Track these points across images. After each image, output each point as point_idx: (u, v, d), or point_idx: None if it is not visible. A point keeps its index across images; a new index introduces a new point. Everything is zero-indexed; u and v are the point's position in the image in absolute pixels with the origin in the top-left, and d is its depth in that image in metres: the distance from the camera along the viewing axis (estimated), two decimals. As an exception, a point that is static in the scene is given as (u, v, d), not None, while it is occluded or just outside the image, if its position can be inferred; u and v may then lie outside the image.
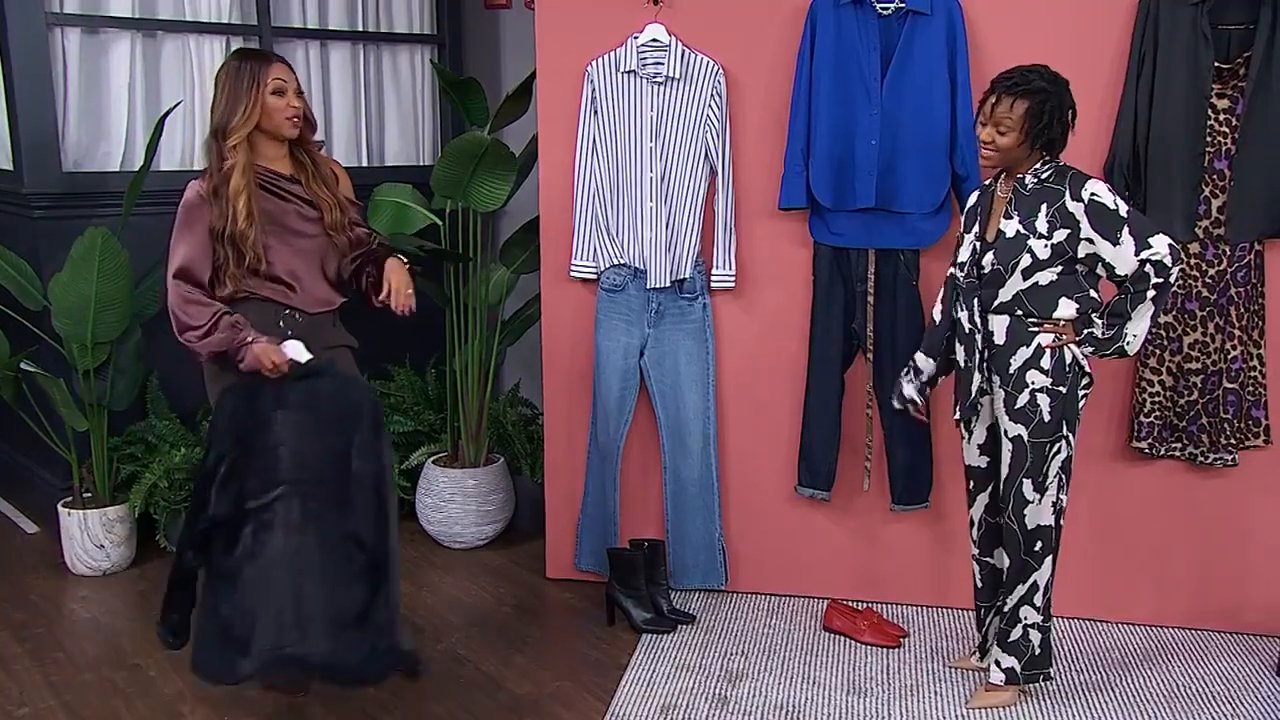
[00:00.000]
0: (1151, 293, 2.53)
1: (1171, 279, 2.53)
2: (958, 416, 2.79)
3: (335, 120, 4.53)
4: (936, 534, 3.36)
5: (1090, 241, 2.56)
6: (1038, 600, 2.70)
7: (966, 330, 2.72)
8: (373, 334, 4.27)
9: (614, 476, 3.51)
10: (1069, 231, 2.56)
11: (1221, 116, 2.92)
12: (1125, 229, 2.53)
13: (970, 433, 2.81)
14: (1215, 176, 2.96)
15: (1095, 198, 2.54)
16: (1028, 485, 2.65)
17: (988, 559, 2.88)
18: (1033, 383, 2.62)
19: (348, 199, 2.82)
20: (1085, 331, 2.60)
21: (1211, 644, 3.14)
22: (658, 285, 3.35)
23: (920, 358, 2.89)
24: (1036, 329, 2.62)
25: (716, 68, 3.25)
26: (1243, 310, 2.99)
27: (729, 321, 3.41)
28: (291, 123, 2.67)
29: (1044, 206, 2.59)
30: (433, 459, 4.05)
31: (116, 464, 3.77)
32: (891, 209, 3.17)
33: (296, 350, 2.59)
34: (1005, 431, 2.68)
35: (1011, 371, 2.65)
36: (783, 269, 3.35)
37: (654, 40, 3.24)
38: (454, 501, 3.92)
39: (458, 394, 3.98)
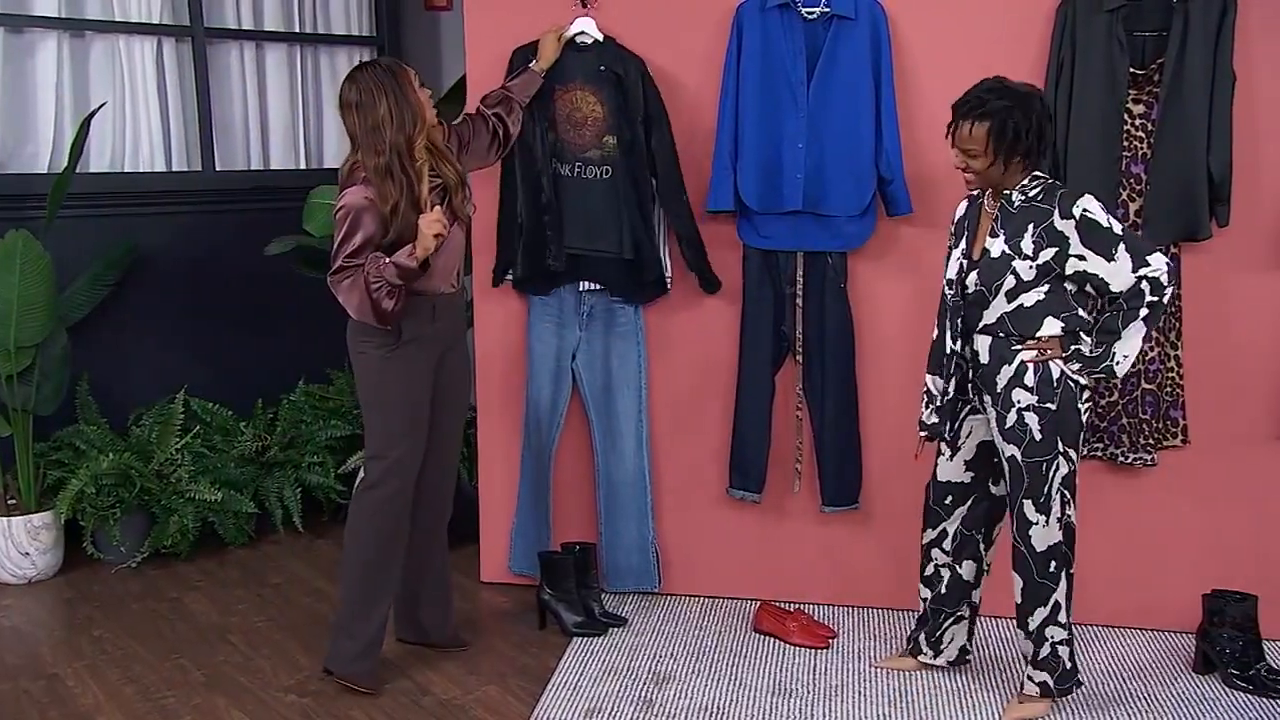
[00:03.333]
0: (1144, 311, 2.51)
1: (1166, 298, 2.51)
2: (924, 434, 2.81)
3: (271, 122, 4.50)
4: (866, 535, 3.39)
5: (1081, 259, 2.52)
6: (1061, 618, 2.66)
7: (948, 350, 2.71)
8: (309, 338, 4.25)
9: (547, 479, 3.51)
10: (1056, 249, 2.52)
11: (1137, 121, 2.97)
12: (1121, 245, 2.49)
13: (953, 449, 2.79)
14: (1132, 180, 3.00)
15: (1087, 214, 2.51)
16: (1029, 506, 2.61)
17: (956, 568, 2.86)
18: (1019, 401, 2.59)
19: (451, 137, 2.93)
20: (1072, 349, 2.57)
21: (1129, 642, 3.18)
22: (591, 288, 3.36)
23: (929, 380, 2.80)
24: (1019, 346, 2.60)
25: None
26: (1160, 312, 3.04)
27: (660, 324, 3.41)
28: (436, 111, 2.77)
29: (1031, 226, 2.54)
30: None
31: (43, 470, 3.72)
32: (818, 212, 3.19)
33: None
34: (1001, 452, 2.65)
35: (999, 390, 2.62)
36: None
37: (583, 34, 3.24)
38: (389, 506, 3.89)
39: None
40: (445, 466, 3.03)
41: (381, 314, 2.65)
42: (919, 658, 3.00)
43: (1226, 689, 2.90)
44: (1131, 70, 2.94)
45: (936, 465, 2.85)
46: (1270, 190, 2.99)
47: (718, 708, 2.83)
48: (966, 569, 2.86)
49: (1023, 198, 2.57)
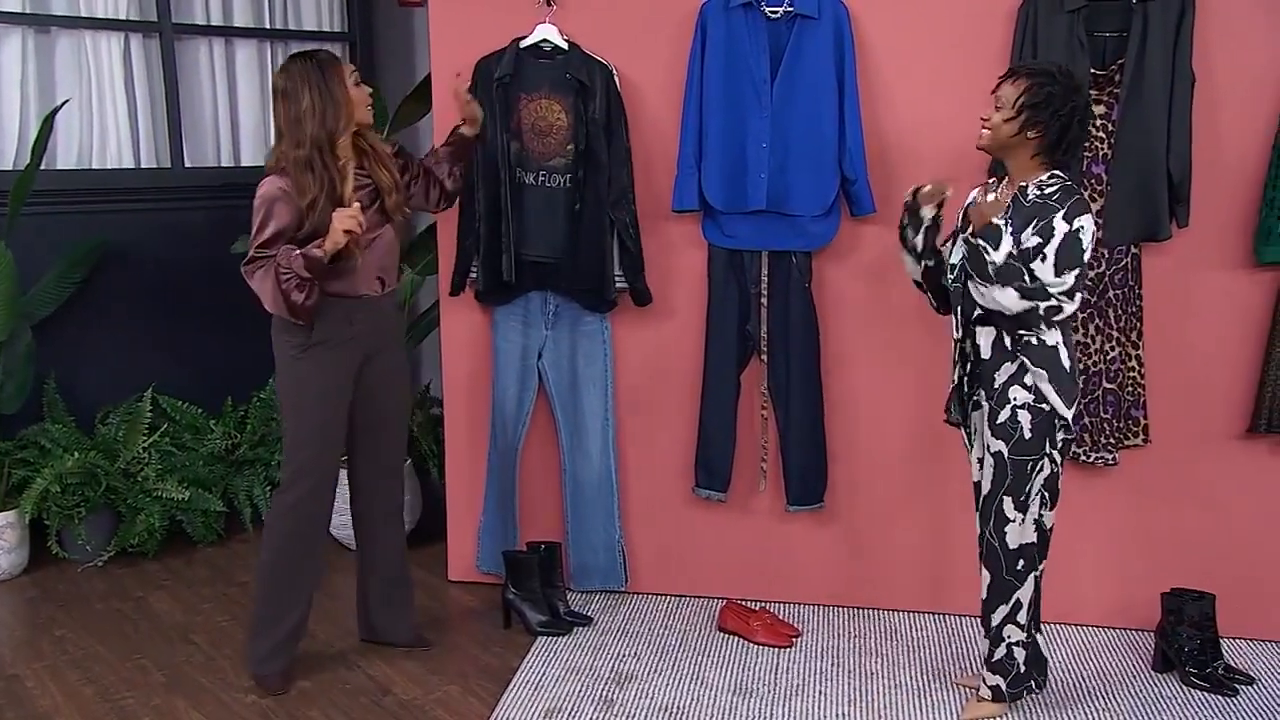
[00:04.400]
0: (1026, 302, 2.48)
1: (1035, 317, 2.49)
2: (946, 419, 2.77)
3: (241, 119, 4.48)
4: (832, 534, 3.39)
5: (1042, 258, 2.47)
6: (1021, 618, 2.66)
7: (955, 337, 2.68)
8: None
9: (513, 478, 3.50)
10: (1040, 240, 2.49)
11: (1098, 122, 2.97)
12: (1068, 271, 2.46)
13: (970, 446, 2.75)
14: (1092, 180, 3.01)
15: (1080, 233, 2.46)
16: (1008, 503, 2.60)
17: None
18: (1014, 399, 2.57)
19: (397, 159, 2.90)
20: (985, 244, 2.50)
21: (1090, 640, 3.19)
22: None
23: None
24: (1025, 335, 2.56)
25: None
26: (1120, 312, 3.05)
27: (626, 324, 3.41)
28: (371, 110, 2.73)
29: (1035, 220, 2.50)
30: (337, 461, 4.01)
31: (8, 468, 3.70)
32: (783, 211, 3.18)
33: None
34: (988, 446, 2.62)
35: (996, 386, 2.59)
36: (678, 271, 3.36)
37: (545, 41, 3.23)
38: (358, 504, 3.89)
39: (362, 396, 3.95)
40: (385, 467, 3.00)
41: (293, 306, 2.61)
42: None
43: (1184, 687, 2.92)
44: (1092, 71, 2.94)
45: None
46: (1229, 190, 3.00)
47: (677, 708, 2.83)
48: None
49: (1038, 193, 2.53)
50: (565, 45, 3.22)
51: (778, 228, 3.21)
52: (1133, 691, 2.91)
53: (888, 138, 3.16)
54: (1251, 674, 2.94)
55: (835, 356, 3.30)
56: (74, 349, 4.02)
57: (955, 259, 2.66)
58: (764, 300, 3.27)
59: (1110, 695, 2.88)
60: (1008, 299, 2.49)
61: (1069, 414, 2.58)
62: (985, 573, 2.69)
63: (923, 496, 3.30)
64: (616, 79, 3.24)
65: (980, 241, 2.52)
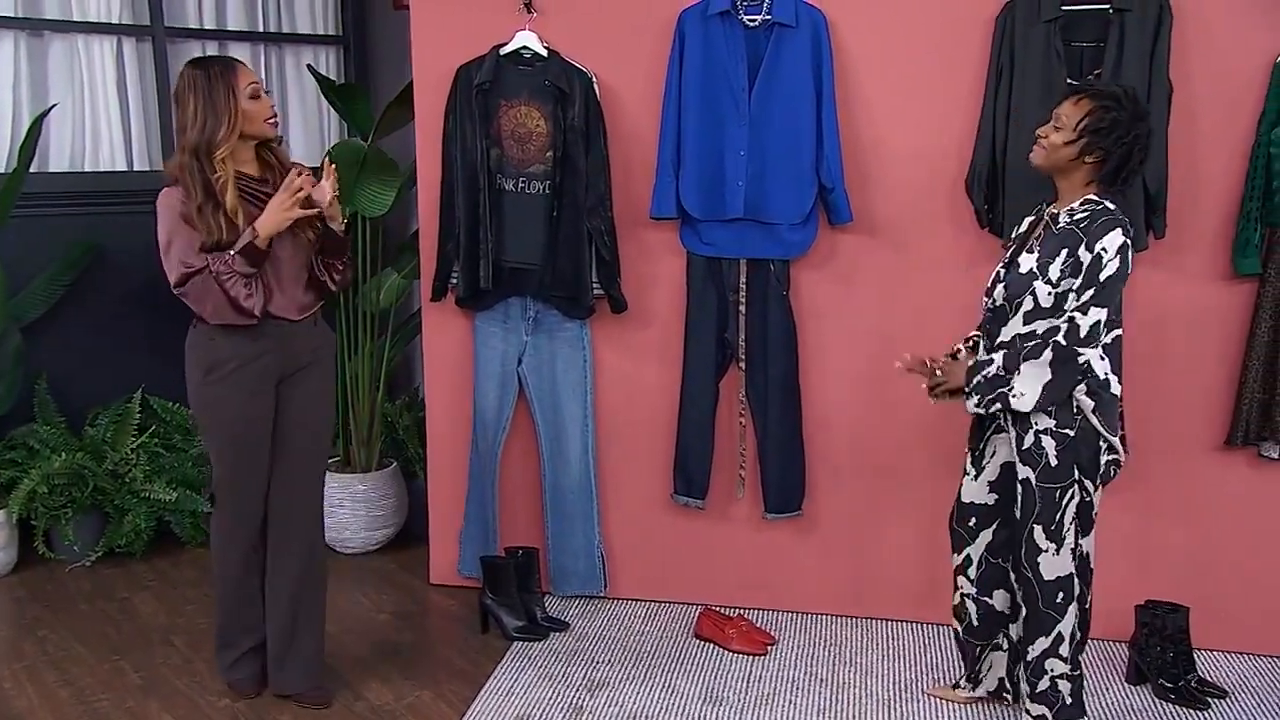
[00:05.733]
0: (1048, 353, 2.41)
1: (1076, 350, 2.40)
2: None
3: (235, 121, 4.49)
4: (809, 542, 3.39)
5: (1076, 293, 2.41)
6: (1064, 651, 2.56)
7: (981, 360, 2.58)
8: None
9: (493, 483, 3.52)
10: (1073, 281, 2.41)
11: (1075, 132, 2.95)
12: (1089, 290, 2.39)
13: (979, 468, 2.68)
14: (1069, 191, 2.99)
15: (1104, 253, 2.38)
16: (1039, 532, 2.51)
17: (986, 599, 2.73)
18: (1037, 423, 2.48)
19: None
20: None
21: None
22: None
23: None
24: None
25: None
26: (1097, 323, 3.03)
27: (606, 330, 3.42)
28: (272, 124, 2.65)
29: (1064, 251, 2.42)
30: (324, 463, 4.04)
31: (-3, 469, 3.75)
32: (760, 219, 3.19)
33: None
34: (1017, 474, 2.54)
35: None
36: (657, 278, 3.36)
37: (525, 48, 3.24)
38: (344, 506, 3.91)
39: (348, 398, 3.98)
40: (294, 499, 2.81)
41: (239, 307, 2.57)
42: (957, 690, 2.89)
43: (1157, 700, 2.91)
44: (1069, 80, 2.91)
45: (961, 485, 2.73)
46: (1207, 201, 2.98)
47: (646, 715, 2.84)
48: (999, 599, 2.73)
49: (1068, 219, 2.45)
50: (545, 52, 3.23)
51: (755, 235, 3.21)
52: (1105, 702, 2.90)
53: (865, 146, 3.16)
54: (1224, 687, 2.93)
55: (814, 364, 3.30)
56: (66, 350, 4.05)
57: (989, 283, 2.61)
58: (742, 308, 3.27)
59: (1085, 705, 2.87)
60: (1037, 372, 2.43)
61: (1114, 438, 2.48)
62: (1021, 606, 2.62)
63: (901, 505, 3.30)
64: (596, 86, 3.24)
65: (975, 396, 2.51)
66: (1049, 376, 2.43)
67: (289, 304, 2.69)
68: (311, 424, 2.81)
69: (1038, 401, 2.45)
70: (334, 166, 2.72)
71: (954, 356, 2.66)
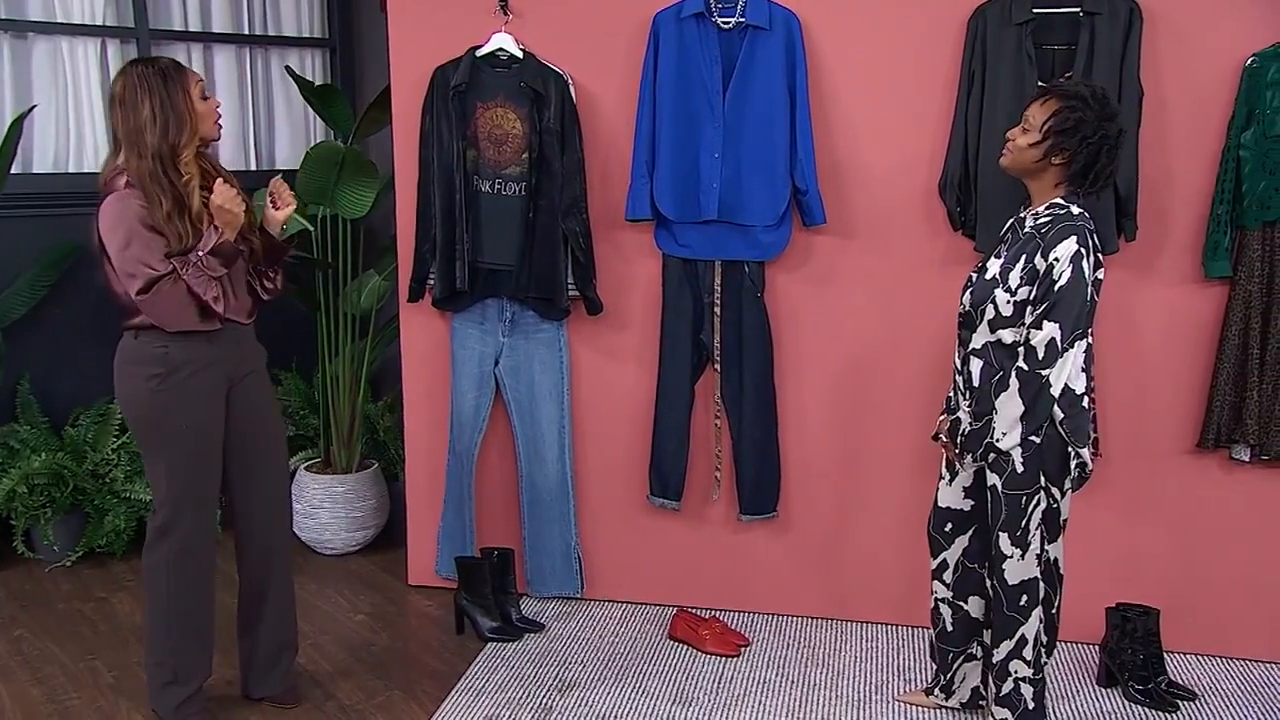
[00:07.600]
0: (1014, 380, 2.40)
1: (1028, 374, 2.38)
2: (941, 439, 2.67)
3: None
4: (784, 544, 3.40)
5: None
6: (1027, 654, 2.56)
7: (955, 365, 2.63)
8: (259, 338, 4.23)
9: (470, 484, 3.53)
10: (1030, 289, 2.40)
11: (1046, 135, 2.96)
12: (1046, 305, 2.36)
13: (952, 473, 2.67)
14: (1041, 194, 2.99)
15: (1055, 262, 2.35)
16: (1004, 539, 2.51)
17: (961, 604, 2.74)
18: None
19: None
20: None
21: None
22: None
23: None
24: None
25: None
26: (1069, 326, 3.03)
27: (582, 332, 3.42)
28: (220, 127, 2.60)
29: (1024, 258, 2.41)
30: (305, 465, 4.05)
31: (-25, 469, 3.75)
32: (735, 221, 3.19)
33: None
34: (986, 480, 2.55)
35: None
36: (633, 280, 3.37)
37: (501, 50, 3.25)
38: (324, 508, 3.92)
39: (329, 400, 3.99)
40: (268, 499, 2.76)
41: (208, 310, 2.52)
42: (930, 697, 2.88)
43: (1127, 702, 2.91)
44: (1040, 83, 2.92)
45: (937, 490, 2.73)
46: (1177, 204, 2.98)
47: (616, 715, 2.85)
48: (974, 606, 2.73)
49: (1033, 223, 2.44)
50: (521, 54, 3.24)
51: (730, 237, 3.22)
52: (1075, 705, 2.90)
53: (839, 148, 3.16)
54: (1194, 689, 2.93)
55: (789, 366, 3.31)
56: (49, 351, 4.07)
57: (964, 285, 2.61)
58: (717, 309, 3.28)
59: (1053, 709, 2.87)
60: (1010, 406, 2.43)
61: (1082, 449, 2.46)
62: (979, 604, 2.65)
63: (875, 507, 3.30)
64: (572, 88, 3.25)
65: (967, 456, 2.54)
66: (1022, 408, 2.42)
67: (239, 307, 2.65)
68: (269, 423, 2.78)
69: (1021, 435, 2.44)
70: (283, 184, 2.68)
71: (935, 438, 2.70)
